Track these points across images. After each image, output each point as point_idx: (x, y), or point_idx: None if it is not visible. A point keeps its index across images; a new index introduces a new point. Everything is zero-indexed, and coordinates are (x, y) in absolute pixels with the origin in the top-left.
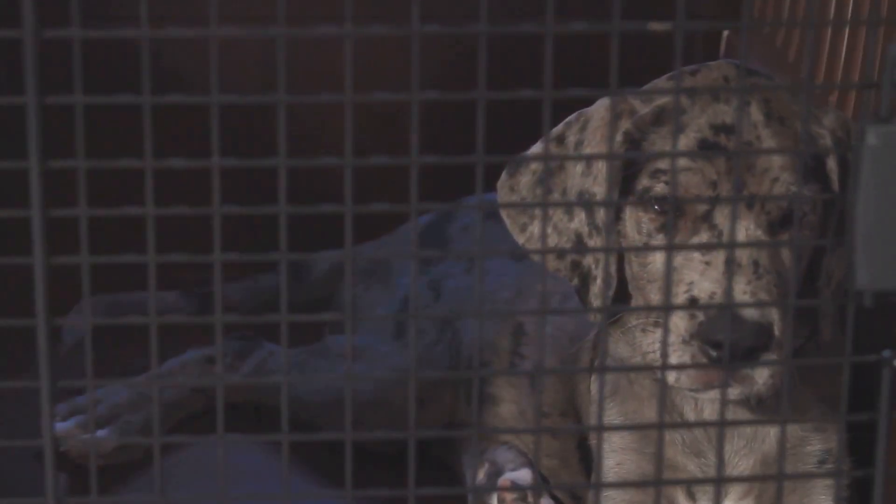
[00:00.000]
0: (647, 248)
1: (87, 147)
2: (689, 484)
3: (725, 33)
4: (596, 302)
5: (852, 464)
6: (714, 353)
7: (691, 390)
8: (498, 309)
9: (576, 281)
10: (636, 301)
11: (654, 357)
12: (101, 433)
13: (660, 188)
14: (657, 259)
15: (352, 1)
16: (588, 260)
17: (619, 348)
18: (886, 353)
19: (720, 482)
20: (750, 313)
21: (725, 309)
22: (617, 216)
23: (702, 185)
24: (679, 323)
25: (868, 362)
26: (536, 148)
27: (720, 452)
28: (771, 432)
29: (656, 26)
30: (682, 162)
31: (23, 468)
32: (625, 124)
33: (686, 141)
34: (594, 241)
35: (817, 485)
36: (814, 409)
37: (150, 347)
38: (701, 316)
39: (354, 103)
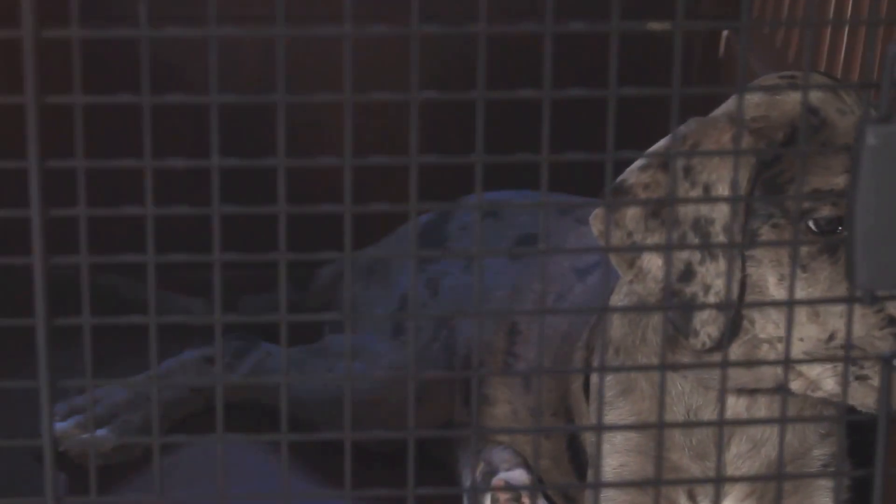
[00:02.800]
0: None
1: (87, 147)
2: (691, 485)
3: (725, 33)
4: (706, 328)
5: (852, 466)
6: None
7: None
8: (496, 308)
9: (671, 314)
10: (760, 326)
11: (837, 381)
12: (99, 433)
13: (827, 211)
14: (817, 280)
15: (352, 1)
16: (695, 288)
17: (636, 354)
18: (886, 353)
19: (719, 482)
20: None
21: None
22: (749, 241)
23: None
24: (881, 345)
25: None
26: (634, 175)
27: (720, 451)
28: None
29: (655, 26)
30: (844, 179)
31: (22, 468)
32: (748, 141)
33: (841, 159)
34: (705, 268)
35: (819, 487)
36: (825, 414)
37: (150, 347)
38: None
39: (354, 103)
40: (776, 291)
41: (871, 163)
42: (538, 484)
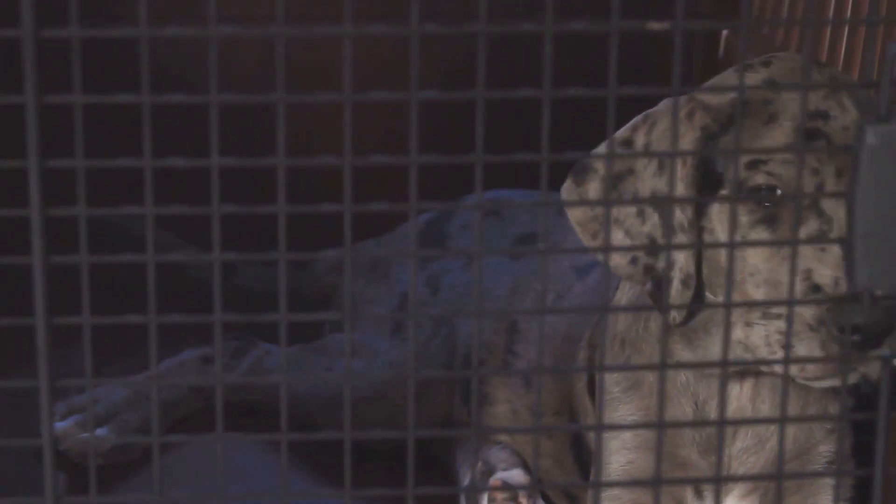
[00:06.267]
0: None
1: (87, 146)
2: (696, 483)
3: (724, 32)
4: (674, 304)
5: (857, 465)
6: (849, 338)
7: (815, 379)
8: (496, 307)
9: (649, 285)
10: (716, 301)
11: (769, 350)
12: (99, 432)
13: (761, 179)
14: (756, 252)
15: (351, 1)
16: (662, 262)
17: (677, 352)
18: (886, 353)
19: (719, 481)
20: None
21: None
22: (701, 212)
23: (804, 174)
24: (804, 311)
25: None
26: (602, 151)
27: (720, 451)
28: (788, 432)
29: (655, 25)
30: (782, 154)
31: (21, 468)
32: (700, 119)
33: (783, 130)
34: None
35: (823, 485)
36: (831, 411)
37: (149, 345)
38: (827, 300)
39: (354, 103)
40: (716, 268)
41: (871, 162)
42: (536, 483)
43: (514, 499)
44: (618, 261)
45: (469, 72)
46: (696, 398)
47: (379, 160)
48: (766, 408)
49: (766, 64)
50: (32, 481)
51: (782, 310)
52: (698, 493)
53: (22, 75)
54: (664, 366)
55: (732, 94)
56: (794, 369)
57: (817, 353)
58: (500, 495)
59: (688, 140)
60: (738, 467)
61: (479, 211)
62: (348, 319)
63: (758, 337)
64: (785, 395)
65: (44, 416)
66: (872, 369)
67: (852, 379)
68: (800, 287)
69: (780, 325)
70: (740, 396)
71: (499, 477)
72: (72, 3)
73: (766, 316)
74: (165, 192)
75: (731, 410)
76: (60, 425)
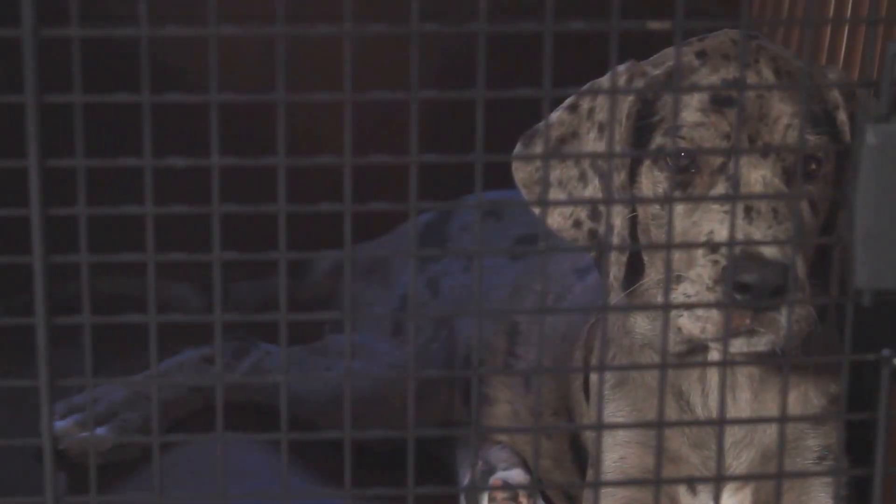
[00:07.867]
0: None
1: (86, 146)
2: (692, 481)
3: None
4: (612, 269)
5: (850, 460)
6: (739, 297)
7: (715, 340)
8: (496, 308)
9: (594, 252)
10: (651, 268)
11: (677, 313)
12: (98, 432)
13: (672, 143)
14: (673, 217)
15: (351, 1)
16: (603, 228)
17: (637, 323)
18: (886, 353)
19: (719, 481)
20: (771, 253)
21: (728, 250)
22: (633, 179)
23: (715, 138)
24: (702, 272)
25: (868, 361)
26: (551, 116)
27: (720, 450)
28: (774, 427)
29: (655, 25)
30: (695, 117)
31: (21, 467)
32: (637, 84)
33: (699, 97)
34: (606, 208)
35: (815, 482)
36: (815, 403)
37: (149, 346)
38: (723, 261)
39: (354, 102)
40: (647, 231)
41: (871, 162)
42: (536, 483)
43: (515, 498)
44: (561, 224)
45: (469, 71)
46: (678, 390)
47: (379, 160)
48: (746, 396)
49: (701, 40)
50: (32, 481)
51: (688, 272)
52: (692, 489)
53: (22, 75)
54: (665, 365)
55: (667, 64)
56: (695, 329)
57: (714, 312)
58: (500, 495)
59: (625, 103)
60: (730, 462)
61: (479, 211)
62: (348, 319)
63: (672, 299)
64: (785, 395)
65: (44, 416)
66: (773, 330)
67: (762, 344)
68: (702, 248)
69: (686, 286)
70: (718, 386)
71: (499, 476)
72: (72, 3)
73: (678, 280)
74: (165, 191)
75: (711, 400)
76: (60, 424)
